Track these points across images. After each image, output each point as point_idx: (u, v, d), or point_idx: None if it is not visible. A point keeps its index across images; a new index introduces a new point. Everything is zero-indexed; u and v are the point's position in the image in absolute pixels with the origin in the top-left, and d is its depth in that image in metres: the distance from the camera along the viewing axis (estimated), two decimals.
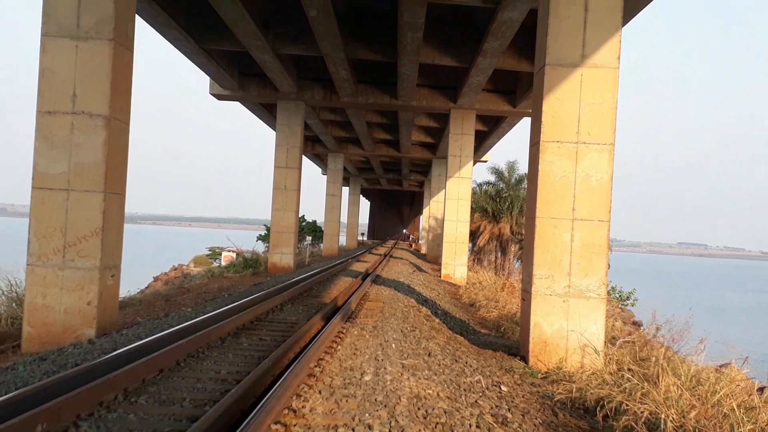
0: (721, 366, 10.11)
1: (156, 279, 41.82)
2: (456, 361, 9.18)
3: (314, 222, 55.31)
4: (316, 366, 7.72)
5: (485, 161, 48.68)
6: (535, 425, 6.72)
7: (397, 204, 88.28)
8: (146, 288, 31.39)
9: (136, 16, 12.49)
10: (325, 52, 20.86)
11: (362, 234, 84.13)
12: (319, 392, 6.58)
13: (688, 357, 9.45)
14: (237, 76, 26.89)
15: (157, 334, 8.86)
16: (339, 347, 9.05)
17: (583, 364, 9.68)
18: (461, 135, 29.03)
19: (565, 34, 10.11)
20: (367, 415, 5.87)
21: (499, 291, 21.86)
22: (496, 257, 46.22)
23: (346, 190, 63.91)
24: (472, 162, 30.62)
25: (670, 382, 6.99)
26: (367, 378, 7.29)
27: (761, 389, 7.93)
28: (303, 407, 6.02)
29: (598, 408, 7.33)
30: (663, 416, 6.00)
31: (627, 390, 7.30)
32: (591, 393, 7.89)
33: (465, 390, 7.53)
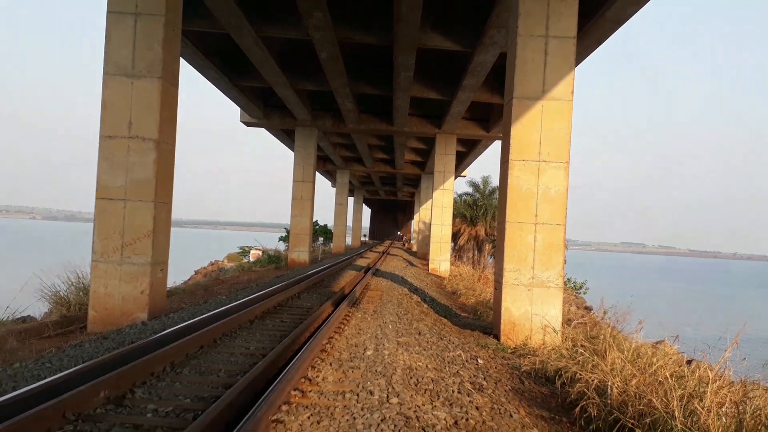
0: (656, 343, 10.12)
1: (196, 272, 41.71)
2: (441, 338, 9.20)
3: (325, 225, 55.22)
4: (327, 343, 7.73)
5: (464, 176, 48.73)
6: (505, 391, 6.74)
7: (392, 211, 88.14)
8: (189, 280, 31.33)
9: (180, 58, 12.49)
10: (334, 87, 20.92)
11: (364, 235, 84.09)
12: (330, 364, 6.59)
13: (630, 335, 9.45)
14: (262, 107, 26.93)
15: (197, 317, 8.87)
16: (346, 328, 9.05)
17: (545, 341, 9.71)
18: (445, 155, 29.12)
19: (529, 73, 10.16)
20: (369, 383, 5.87)
21: (476, 282, 21.91)
22: (473, 254, 46.24)
23: (351, 199, 63.97)
24: (453, 177, 30.73)
25: (615, 356, 7.00)
26: (369, 353, 7.29)
27: (689, 361, 7.93)
28: (317, 377, 6.03)
29: (557, 377, 7.35)
30: (610, 383, 6.02)
31: (580, 362, 7.31)
32: (551, 365, 7.91)
33: (448, 362, 7.54)
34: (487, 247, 45.67)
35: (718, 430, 4.38)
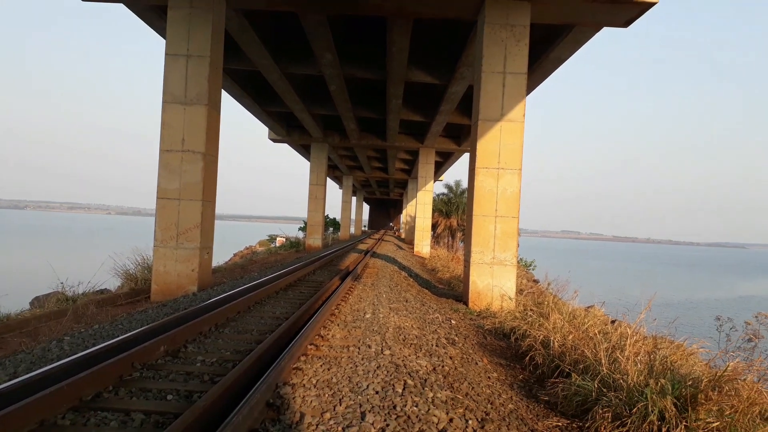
0: (588, 307, 10.17)
1: (235, 255, 41.58)
2: (423, 305, 9.21)
3: (334, 218, 55.11)
4: (335, 308, 7.74)
5: (441, 180, 48.71)
6: (472, 345, 6.75)
7: (386, 207, 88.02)
8: (229, 261, 31.26)
9: (222, 90, 12.44)
10: (341, 112, 20.87)
11: (365, 226, 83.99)
12: (338, 325, 6.59)
13: (568, 302, 9.49)
14: (285, 127, 26.86)
15: (235, 290, 8.87)
16: (350, 296, 9.06)
17: (502, 306, 9.73)
18: (426, 164, 29.10)
19: (491, 101, 10.14)
20: (367, 339, 5.88)
21: (450, 261, 21.91)
22: (448, 240, 46.24)
23: (354, 198, 63.90)
24: (433, 181, 30.71)
25: (556, 318, 7.02)
26: (368, 316, 7.30)
27: (613, 321, 7.97)
28: (327, 334, 6.04)
29: (512, 334, 7.37)
30: (552, 338, 6.04)
31: (530, 322, 7.33)
32: (507, 324, 7.93)
33: (428, 323, 7.55)
34: (459, 234, 45.69)
35: (635, 373, 4.40)
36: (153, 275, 10.35)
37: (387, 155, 34.73)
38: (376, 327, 6.55)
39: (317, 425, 3.45)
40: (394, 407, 3.83)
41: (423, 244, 29.51)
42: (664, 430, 3.73)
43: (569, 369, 5.16)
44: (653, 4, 9.71)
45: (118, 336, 5.62)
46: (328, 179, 48.11)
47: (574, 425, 4.22)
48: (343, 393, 4.06)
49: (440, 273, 18.02)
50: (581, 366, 5.12)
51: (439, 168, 39.08)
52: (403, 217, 57.13)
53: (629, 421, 3.86)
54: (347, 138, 26.83)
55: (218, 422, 3.22)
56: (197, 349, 5.39)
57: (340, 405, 3.81)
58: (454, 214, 46.08)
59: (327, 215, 50.68)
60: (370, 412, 3.70)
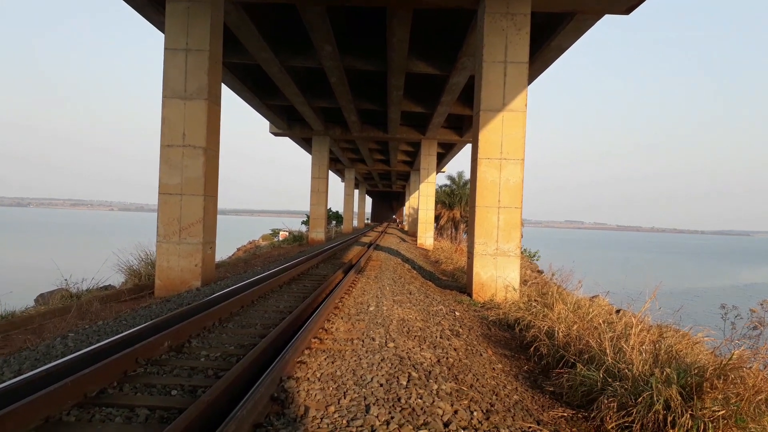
0: (593, 297, 10.14)
1: (238, 249, 41.62)
2: (427, 297, 9.21)
3: (337, 212, 55.12)
4: (339, 301, 7.74)
5: (444, 171, 48.60)
6: (476, 336, 6.75)
7: (389, 199, 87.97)
8: (232, 255, 31.32)
9: (222, 84, 12.40)
10: (342, 104, 20.81)
11: (368, 219, 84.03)
12: (341, 318, 6.60)
13: (572, 292, 9.47)
14: (286, 120, 26.80)
15: (239, 284, 8.87)
16: (353, 289, 9.06)
17: (506, 297, 9.72)
18: (428, 155, 29.05)
19: (492, 91, 10.09)
20: (371, 331, 5.88)
21: (453, 253, 21.89)
22: (451, 232, 46.21)
23: (356, 191, 63.86)
24: (435, 172, 30.69)
25: (560, 308, 7.01)
26: (371, 308, 7.30)
27: (617, 311, 7.95)
28: (331, 327, 6.04)
29: (516, 324, 7.36)
30: (556, 329, 6.03)
31: (534, 313, 7.32)
32: (511, 315, 7.92)
33: (432, 315, 7.55)
34: (462, 226, 45.63)
35: (640, 362, 4.39)
36: (156, 271, 10.36)
37: (389, 147, 34.66)
38: (379, 319, 6.55)
39: (322, 418, 3.45)
40: (399, 400, 3.84)
41: (426, 236, 29.50)
42: (669, 419, 3.73)
43: (574, 359, 5.16)
44: None
45: (122, 332, 5.64)
46: (330, 172, 48.10)
47: (579, 415, 4.21)
48: (348, 386, 4.06)
49: (444, 265, 18.01)
50: (586, 356, 5.11)
51: (442, 159, 39.02)
52: (406, 210, 57.14)
53: (635, 410, 3.85)
54: (349, 130, 26.76)
55: (223, 417, 3.23)
56: (201, 344, 5.40)
57: (345, 398, 3.82)
58: (457, 205, 46.02)
59: (329, 208, 50.71)
60: (374, 404, 3.70)
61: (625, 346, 4.85)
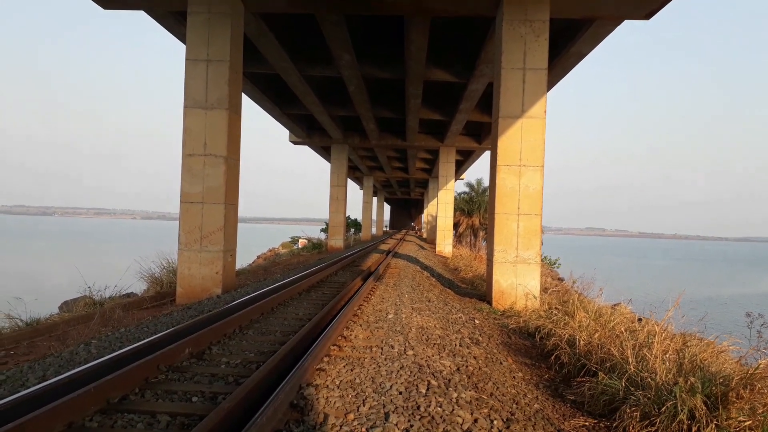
0: (614, 305, 9.99)
1: (258, 257, 41.88)
2: (446, 304, 9.17)
3: (356, 219, 55.25)
4: (358, 309, 7.74)
5: (463, 179, 48.53)
6: (496, 344, 6.70)
7: (407, 207, 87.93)
8: (252, 263, 31.54)
9: (242, 94, 12.55)
10: (360, 113, 20.91)
11: (386, 226, 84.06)
12: (360, 325, 6.60)
13: (593, 299, 9.35)
14: (305, 129, 27.02)
15: (259, 291, 8.93)
16: (372, 297, 9.06)
17: (527, 305, 9.64)
18: (447, 163, 29.01)
19: (511, 98, 10.05)
20: (390, 339, 5.87)
21: (472, 260, 21.82)
22: (470, 239, 46.10)
23: (375, 199, 63.97)
24: (454, 179, 30.63)
25: (582, 316, 6.93)
26: (390, 316, 7.29)
27: (640, 319, 7.82)
28: (350, 335, 6.04)
29: (537, 333, 7.30)
30: (578, 337, 5.96)
31: (555, 321, 7.25)
32: (532, 323, 7.85)
33: (452, 323, 7.51)
34: (481, 233, 45.49)
35: (663, 371, 4.32)
36: (178, 278, 10.47)
37: (407, 155, 34.73)
38: (398, 327, 6.53)
39: (341, 426, 3.45)
40: (418, 408, 3.82)
41: (445, 244, 29.40)
42: (694, 429, 3.65)
43: (596, 368, 5.09)
44: None
45: (143, 339, 5.71)
46: (349, 180, 48.30)
47: (601, 425, 4.15)
48: (367, 393, 4.06)
49: (463, 272, 17.92)
50: (608, 365, 5.03)
51: (460, 166, 38.93)
52: (425, 217, 57.06)
53: (658, 420, 3.78)
54: (367, 138, 26.86)
55: (243, 423, 3.25)
56: (221, 350, 5.44)
57: (364, 406, 3.81)
58: (476, 212, 45.90)
59: (348, 216, 50.89)
60: (393, 412, 3.69)
61: (647, 354, 4.78)
